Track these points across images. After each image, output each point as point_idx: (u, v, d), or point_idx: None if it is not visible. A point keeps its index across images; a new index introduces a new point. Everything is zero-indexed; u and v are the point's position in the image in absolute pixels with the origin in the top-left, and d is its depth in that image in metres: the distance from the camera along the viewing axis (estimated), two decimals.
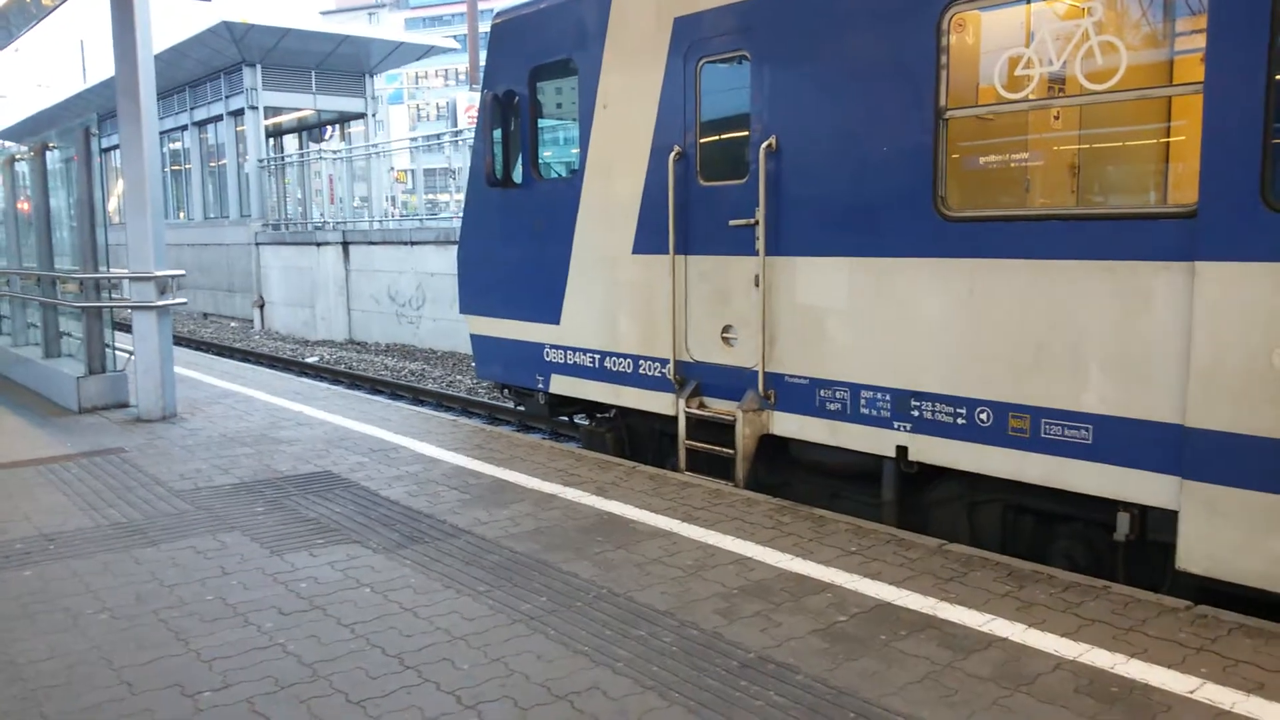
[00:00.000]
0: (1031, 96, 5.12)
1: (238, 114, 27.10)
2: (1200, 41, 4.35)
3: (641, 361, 7.20)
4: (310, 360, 18.56)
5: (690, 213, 6.71)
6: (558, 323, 7.87)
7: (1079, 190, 6.25)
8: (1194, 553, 4.41)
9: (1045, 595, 4.48)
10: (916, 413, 5.49)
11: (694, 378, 6.82)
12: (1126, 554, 4.97)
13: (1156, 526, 4.64)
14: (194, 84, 29.07)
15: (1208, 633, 4.05)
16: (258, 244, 24.92)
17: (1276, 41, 4.05)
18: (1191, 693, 3.55)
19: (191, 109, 29.75)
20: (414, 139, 26.84)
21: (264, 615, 4.34)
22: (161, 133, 28.87)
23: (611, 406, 7.83)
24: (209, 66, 27.42)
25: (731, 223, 6.39)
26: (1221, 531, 4.30)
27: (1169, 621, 4.17)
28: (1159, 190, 6.24)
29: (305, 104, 27.51)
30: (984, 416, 5.17)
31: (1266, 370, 4.11)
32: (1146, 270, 4.51)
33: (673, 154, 6.69)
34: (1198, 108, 4.33)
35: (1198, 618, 4.20)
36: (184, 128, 30.49)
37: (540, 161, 8.21)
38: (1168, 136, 6.18)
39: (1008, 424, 5.07)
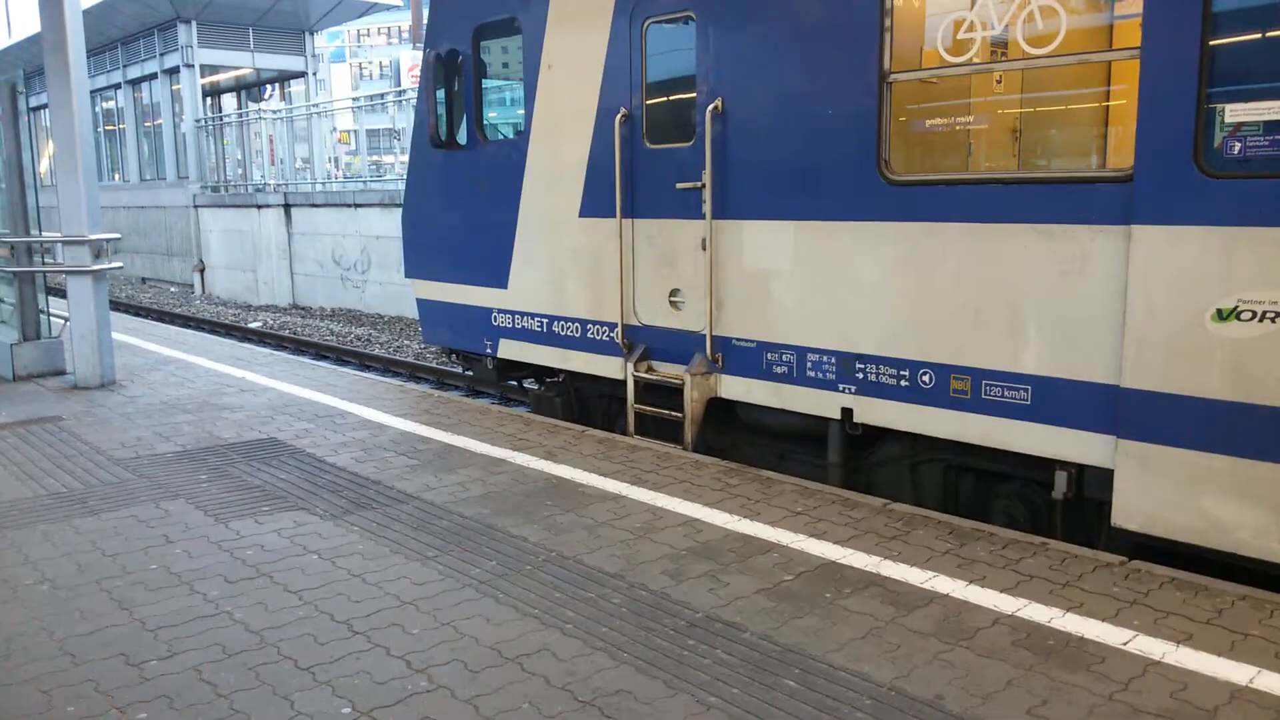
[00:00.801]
0: (974, 60, 5.16)
1: (173, 72, 26.37)
2: (1139, 6, 4.40)
3: (589, 326, 7.19)
4: (253, 326, 18.26)
5: (637, 176, 6.68)
6: (505, 287, 7.82)
7: (1020, 154, 6.33)
8: (1129, 510, 4.54)
9: (985, 552, 4.59)
10: (861, 375, 5.56)
11: (642, 341, 6.83)
12: (1064, 511, 5.11)
13: (1093, 485, 4.77)
14: (126, 41, 28.20)
15: (1140, 587, 4.18)
16: (196, 206, 24.36)
17: (1211, 8, 4.12)
18: (1125, 644, 3.67)
19: (124, 67, 28.87)
20: (356, 99, 26.28)
21: (210, 583, 4.30)
22: (93, 91, 28.09)
23: (560, 371, 7.82)
24: (142, 23, 26.60)
25: (678, 186, 6.38)
26: (1154, 489, 4.43)
27: (1104, 576, 4.30)
28: (1098, 155, 6.34)
29: (243, 62, 26.84)
30: (926, 378, 5.25)
31: (1199, 332, 4.22)
32: (1085, 234, 4.59)
33: (619, 116, 6.64)
34: (1135, 73, 4.40)
35: (1131, 572, 4.34)
36: (117, 86, 29.61)
37: (485, 123, 8.11)
38: (1107, 101, 6.27)
39: (949, 385, 5.16)
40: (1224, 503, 4.23)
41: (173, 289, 25.74)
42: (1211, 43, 4.14)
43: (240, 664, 3.57)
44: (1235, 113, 4.14)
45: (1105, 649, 3.63)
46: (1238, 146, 4.14)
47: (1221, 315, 4.16)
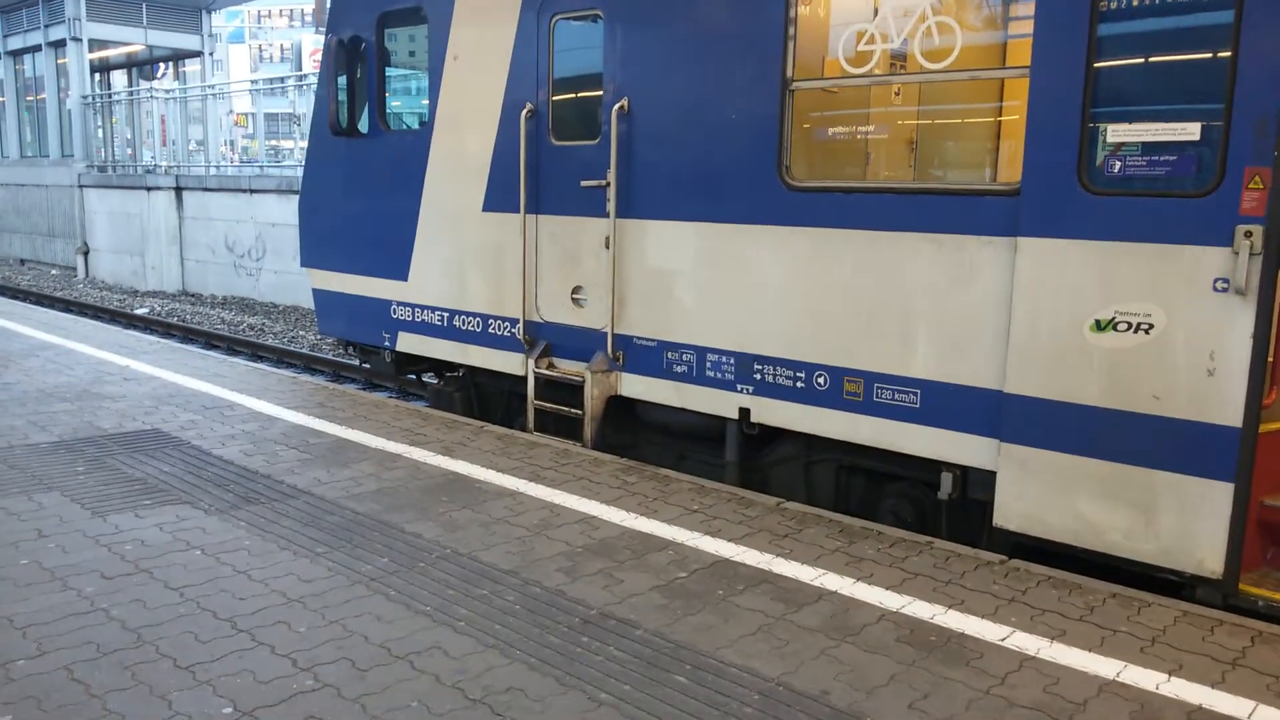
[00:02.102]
0: (874, 72, 5.28)
1: (59, 45, 25.17)
2: (1030, 27, 4.57)
3: (491, 321, 7.13)
4: (140, 312, 17.59)
5: (542, 172, 6.65)
6: (405, 279, 7.70)
7: (916, 165, 6.51)
8: (1009, 510, 4.71)
9: (873, 550, 4.71)
10: (759, 376, 5.64)
11: (544, 338, 6.81)
12: (949, 511, 5.27)
13: (976, 486, 4.93)
14: (7, 9, 26.80)
15: (1018, 585, 4.35)
16: (81, 186, 23.33)
17: (1096, 32, 4.31)
18: (1002, 640, 3.81)
19: (4, 37, 27.44)
20: (255, 81, 25.53)
21: (85, 579, 4.13)
22: None
23: (460, 366, 7.74)
24: None
25: (583, 183, 6.37)
26: (1033, 491, 4.61)
27: (984, 575, 4.45)
28: (989, 168, 6.56)
29: (135, 38, 25.77)
30: (821, 380, 5.36)
31: (1078, 341, 4.41)
32: (974, 244, 4.75)
33: (525, 111, 6.60)
34: (1026, 91, 4.56)
35: (1010, 571, 4.51)
36: None
37: (388, 112, 7.97)
38: (999, 117, 6.49)
39: (843, 388, 5.28)
40: (1097, 505, 4.42)
41: (54, 272, 24.60)
42: (1096, 65, 4.32)
43: (115, 663, 3.44)
44: (1116, 133, 4.34)
45: (984, 645, 3.76)
46: (1118, 165, 4.34)
47: (1099, 326, 4.36)
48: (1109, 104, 4.33)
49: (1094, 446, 4.41)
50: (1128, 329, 4.28)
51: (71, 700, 3.18)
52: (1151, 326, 4.22)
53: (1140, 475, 4.30)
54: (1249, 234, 3.95)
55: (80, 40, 24.52)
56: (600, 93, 6.27)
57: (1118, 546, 4.40)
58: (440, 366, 8.12)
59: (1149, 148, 4.25)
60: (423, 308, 7.61)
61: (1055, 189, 4.44)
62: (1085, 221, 4.37)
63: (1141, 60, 4.31)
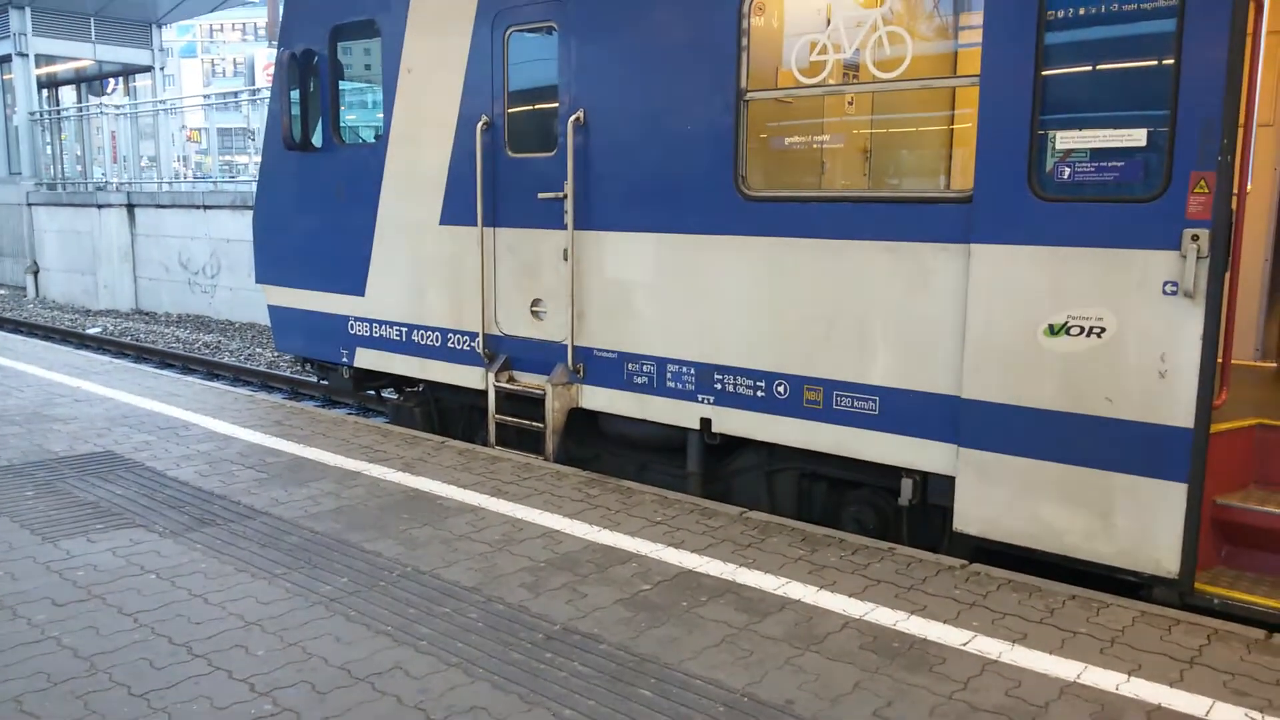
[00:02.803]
0: (827, 82, 5.33)
1: (4, 61, 24.73)
2: (979, 36, 4.63)
3: (450, 335, 7.08)
4: (92, 332, 17.28)
5: (499, 184, 6.63)
6: (362, 294, 7.63)
7: (871, 174, 6.57)
8: (968, 515, 4.75)
9: (836, 558, 4.72)
10: (719, 386, 5.65)
11: (504, 352, 6.77)
12: (910, 517, 5.30)
13: (936, 491, 4.97)
14: None
15: (980, 589, 4.38)
16: (30, 204, 22.90)
17: (1044, 40, 4.37)
18: (964, 645, 3.83)
19: None
20: (208, 96, 25.24)
21: (35, 607, 4.03)
22: None
23: (420, 381, 7.68)
24: None
25: (540, 195, 6.36)
26: (992, 496, 4.65)
27: (946, 580, 4.48)
28: (942, 176, 6.63)
29: (84, 53, 25.38)
30: (781, 389, 5.38)
31: (1032, 346, 4.46)
32: (928, 251, 4.79)
33: (480, 124, 6.58)
34: (976, 99, 4.62)
35: (971, 575, 4.54)
36: None
37: (342, 125, 7.90)
38: (951, 125, 6.57)
39: (803, 396, 5.30)
40: (1055, 508, 4.47)
41: (2, 292, 24.12)
42: (1044, 73, 4.39)
43: (67, 692, 3.36)
44: (1065, 140, 4.40)
45: (946, 650, 3.78)
46: (1067, 172, 4.40)
47: (1053, 330, 4.41)
48: (1057, 111, 4.40)
49: (1050, 450, 4.46)
50: (1080, 333, 4.34)
51: None
52: (1103, 330, 4.28)
53: (1096, 478, 4.35)
54: (1196, 237, 4.02)
55: (26, 56, 24.12)
56: (556, 105, 6.26)
57: (1076, 549, 4.45)
58: (399, 382, 8.05)
59: (1097, 154, 4.31)
60: (381, 323, 7.54)
61: (1006, 195, 4.50)
62: (1036, 227, 4.43)
63: (1088, 68, 4.38)
